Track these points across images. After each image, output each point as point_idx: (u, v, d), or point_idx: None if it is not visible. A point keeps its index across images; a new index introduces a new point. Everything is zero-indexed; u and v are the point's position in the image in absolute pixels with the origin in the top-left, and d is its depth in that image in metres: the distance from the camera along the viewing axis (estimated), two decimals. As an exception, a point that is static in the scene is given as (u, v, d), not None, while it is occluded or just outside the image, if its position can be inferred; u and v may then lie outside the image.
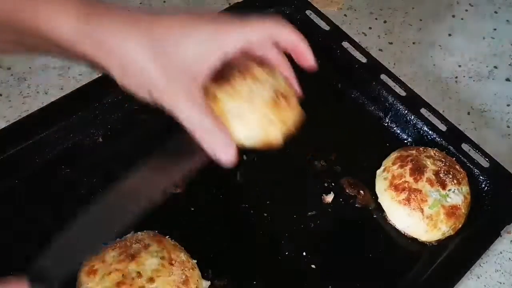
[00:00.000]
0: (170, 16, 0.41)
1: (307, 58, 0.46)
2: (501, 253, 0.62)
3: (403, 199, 0.59)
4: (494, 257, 0.62)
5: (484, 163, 0.64)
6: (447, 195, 0.59)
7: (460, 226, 0.60)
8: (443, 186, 0.59)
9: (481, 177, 0.64)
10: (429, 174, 0.60)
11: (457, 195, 0.60)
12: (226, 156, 0.43)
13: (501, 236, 0.61)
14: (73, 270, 0.43)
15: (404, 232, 0.60)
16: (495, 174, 0.64)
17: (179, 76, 0.40)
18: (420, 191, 0.59)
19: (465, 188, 0.61)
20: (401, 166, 0.61)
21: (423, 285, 0.56)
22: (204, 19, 0.41)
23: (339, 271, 0.58)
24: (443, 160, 0.61)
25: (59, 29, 0.39)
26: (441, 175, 0.60)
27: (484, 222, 0.61)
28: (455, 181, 0.60)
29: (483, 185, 0.64)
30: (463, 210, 0.60)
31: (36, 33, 0.39)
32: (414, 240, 0.60)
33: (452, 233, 0.60)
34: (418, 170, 0.60)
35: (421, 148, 0.63)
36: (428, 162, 0.61)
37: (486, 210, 0.62)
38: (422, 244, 0.60)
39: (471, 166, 0.64)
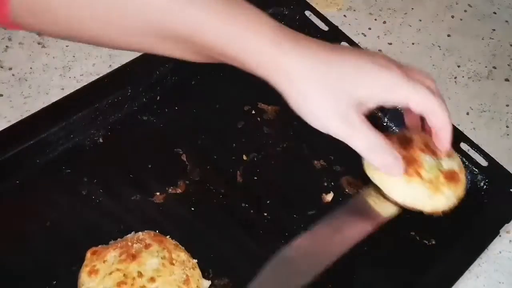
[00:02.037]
0: (346, 54, 0.46)
1: (443, 144, 0.51)
2: (500, 252, 0.62)
3: None
4: (493, 256, 0.62)
5: (483, 162, 0.64)
6: (441, 162, 0.55)
7: (462, 195, 0.56)
8: (435, 154, 0.55)
9: (480, 176, 0.64)
10: (417, 143, 0.55)
11: (452, 164, 0.56)
12: (398, 169, 0.50)
13: (500, 235, 0.61)
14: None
15: (406, 205, 0.55)
16: (494, 173, 0.64)
17: (350, 111, 0.46)
18: (413, 157, 0.55)
19: (458, 161, 0.57)
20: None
21: (422, 284, 0.57)
22: (377, 66, 0.46)
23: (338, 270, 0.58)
24: (429, 137, 0.56)
25: (247, 54, 0.43)
26: (430, 145, 0.55)
27: (483, 221, 0.61)
28: (444, 154, 0.55)
29: (482, 184, 0.64)
30: (462, 178, 0.56)
31: (220, 52, 0.43)
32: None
33: (456, 202, 0.55)
34: (405, 140, 0.56)
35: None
36: (414, 136, 0.56)
37: (485, 209, 0.62)
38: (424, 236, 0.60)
39: (470, 165, 0.64)
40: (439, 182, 0.54)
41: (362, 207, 0.54)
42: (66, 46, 0.70)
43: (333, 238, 0.53)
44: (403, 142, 0.55)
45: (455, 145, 0.65)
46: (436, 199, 0.54)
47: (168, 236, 0.55)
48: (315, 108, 0.45)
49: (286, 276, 0.52)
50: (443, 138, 0.51)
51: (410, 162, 0.54)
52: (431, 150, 0.55)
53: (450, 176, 0.55)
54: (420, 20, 0.83)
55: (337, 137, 0.47)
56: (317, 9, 0.73)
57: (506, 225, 0.62)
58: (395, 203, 0.56)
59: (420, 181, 0.54)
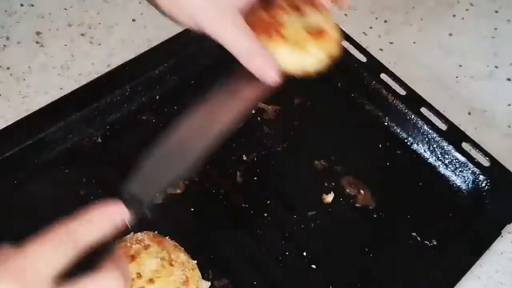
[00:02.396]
0: None
1: None
2: (502, 253, 0.62)
3: (262, 33, 0.49)
4: (494, 257, 0.61)
5: (485, 162, 0.64)
6: (307, 20, 0.51)
7: (334, 52, 0.51)
8: (300, 12, 0.51)
9: (482, 176, 0.63)
10: (280, 3, 0.51)
11: (321, 21, 0.51)
12: (271, 75, 0.46)
13: (501, 236, 0.61)
14: (163, 191, 0.45)
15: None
16: (496, 173, 0.63)
17: (222, 3, 0.44)
18: (274, 18, 0.50)
19: (329, 17, 0.52)
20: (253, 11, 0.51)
21: (423, 285, 0.56)
22: None
23: (339, 271, 0.58)
24: None
25: None
26: (296, 4, 0.51)
27: (485, 222, 0.61)
28: (313, 9, 0.51)
29: (484, 184, 0.63)
30: (332, 34, 0.51)
31: None
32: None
33: (326, 60, 0.51)
34: (267, 2, 0.51)
35: None
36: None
37: (487, 209, 0.62)
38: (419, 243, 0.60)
39: (472, 165, 0.64)
40: (304, 40, 0.50)
41: (240, 78, 0.49)
42: (65, 45, 0.70)
43: (214, 117, 0.49)
44: (265, 5, 0.51)
45: (457, 145, 0.65)
46: (302, 58, 0.50)
47: (167, 237, 0.54)
48: (187, 8, 0.43)
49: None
50: None
51: (270, 22, 0.50)
52: (295, 7, 0.51)
53: (317, 33, 0.50)
54: (421, 19, 0.83)
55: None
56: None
57: (508, 225, 0.61)
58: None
59: (282, 41, 0.49)
